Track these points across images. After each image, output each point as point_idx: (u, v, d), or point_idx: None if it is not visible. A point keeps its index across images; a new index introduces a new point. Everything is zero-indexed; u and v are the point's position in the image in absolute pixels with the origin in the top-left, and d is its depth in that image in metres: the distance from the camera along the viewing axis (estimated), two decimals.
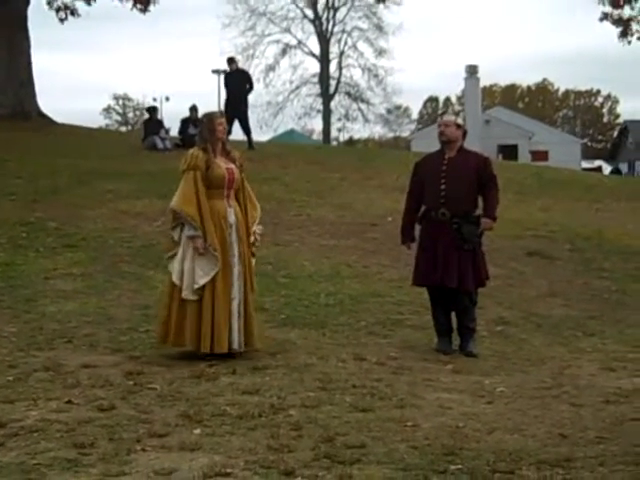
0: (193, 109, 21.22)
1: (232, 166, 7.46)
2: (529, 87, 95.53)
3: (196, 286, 7.18)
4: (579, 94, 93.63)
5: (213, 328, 7.18)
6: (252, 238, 7.53)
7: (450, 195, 7.88)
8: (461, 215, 7.88)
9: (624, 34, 29.25)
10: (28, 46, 23.44)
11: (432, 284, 8.02)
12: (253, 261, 7.64)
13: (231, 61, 21.41)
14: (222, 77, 22.63)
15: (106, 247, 11.53)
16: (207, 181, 7.29)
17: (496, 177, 8.13)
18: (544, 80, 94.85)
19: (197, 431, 5.37)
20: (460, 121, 8.27)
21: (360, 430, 5.48)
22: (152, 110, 23.21)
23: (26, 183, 14.92)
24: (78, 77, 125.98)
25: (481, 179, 7.99)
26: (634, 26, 28.97)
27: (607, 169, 54.72)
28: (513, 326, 9.12)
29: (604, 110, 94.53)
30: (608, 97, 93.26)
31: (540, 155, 54.89)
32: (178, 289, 7.26)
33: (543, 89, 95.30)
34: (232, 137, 19.17)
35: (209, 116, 7.63)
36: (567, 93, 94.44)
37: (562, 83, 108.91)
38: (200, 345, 7.17)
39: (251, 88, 20.90)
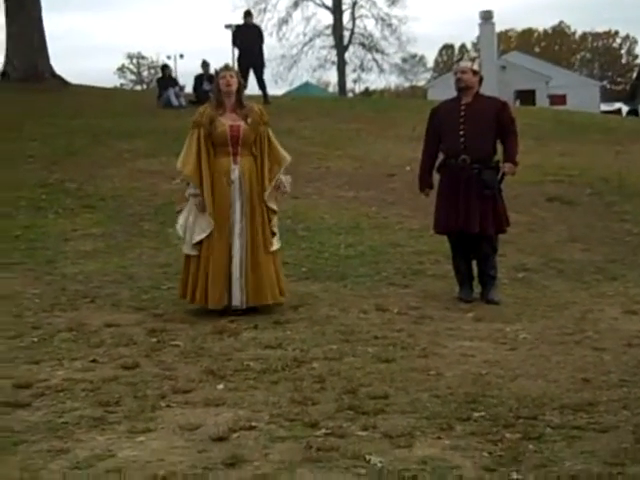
0: (204, 65, 21.16)
1: (240, 123, 7.35)
2: (545, 31, 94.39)
3: (193, 242, 7.27)
4: (596, 36, 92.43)
5: (207, 283, 7.24)
6: (271, 187, 7.40)
7: (470, 141, 7.82)
8: (481, 160, 7.83)
9: None
10: (39, 8, 23.33)
11: (454, 231, 7.98)
12: (274, 219, 7.53)
13: (248, 14, 21.35)
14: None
15: (125, 206, 11.57)
16: (212, 138, 7.30)
17: (515, 121, 8.05)
18: (560, 23, 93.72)
19: (221, 386, 5.41)
20: (476, 67, 8.17)
21: (383, 381, 5.50)
22: (165, 68, 23.15)
23: (42, 145, 14.95)
24: (91, 37, 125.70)
25: (500, 124, 7.92)
26: None
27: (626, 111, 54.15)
28: (534, 272, 9.09)
29: (622, 51, 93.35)
30: (626, 38, 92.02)
31: (558, 99, 54.32)
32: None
33: (560, 32, 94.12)
34: (248, 92, 19.10)
35: (215, 72, 7.71)
36: (584, 36, 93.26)
37: (579, 26, 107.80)
38: (195, 298, 7.31)
39: (262, 43, 20.76)
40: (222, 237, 7.28)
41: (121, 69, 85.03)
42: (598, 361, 5.98)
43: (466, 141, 7.83)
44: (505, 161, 7.94)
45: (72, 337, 6.58)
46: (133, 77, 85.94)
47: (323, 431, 4.62)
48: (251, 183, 7.37)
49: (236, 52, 21.11)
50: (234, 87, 7.40)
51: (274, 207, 7.52)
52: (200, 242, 7.27)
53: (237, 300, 7.30)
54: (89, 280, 8.46)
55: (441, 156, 8.12)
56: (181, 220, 7.42)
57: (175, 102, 20.52)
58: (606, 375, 5.63)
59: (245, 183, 7.34)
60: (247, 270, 7.30)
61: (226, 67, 7.63)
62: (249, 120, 7.39)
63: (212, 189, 7.26)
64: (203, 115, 7.34)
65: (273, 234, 7.50)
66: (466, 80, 7.93)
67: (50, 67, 23.65)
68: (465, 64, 8.19)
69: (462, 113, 7.91)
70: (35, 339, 6.53)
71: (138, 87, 77.34)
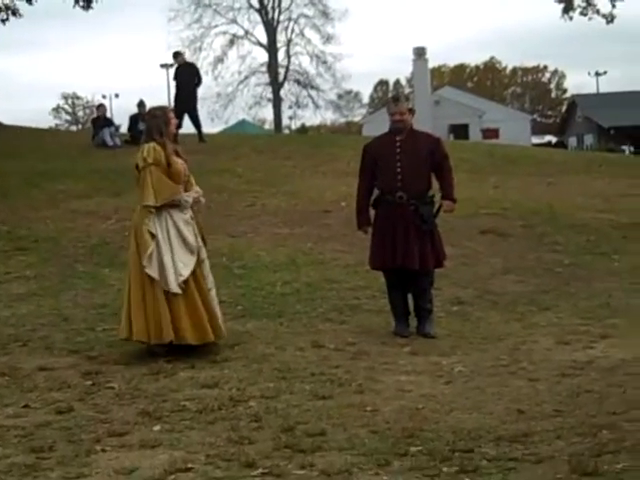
0: (141, 105, 21.11)
1: (181, 160, 7.43)
2: (477, 66, 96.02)
3: (181, 278, 7.15)
4: (526, 70, 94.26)
5: (196, 319, 7.19)
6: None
7: (406, 177, 7.87)
8: (418, 197, 7.88)
9: (567, 10, 29.49)
10: None
11: (392, 267, 8.02)
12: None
13: (177, 55, 21.28)
14: (171, 71, 22.45)
15: (59, 248, 11.44)
16: (167, 177, 7.26)
17: (449, 157, 8.14)
18: (491, 58, 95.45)
19: (157, 428, 5.35)
20: (410, 105, 8.25)
21: (320, 418, 5.49)
22: (100, 107, 23.05)
23: None
24: (25, 78, 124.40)
25: (434, 159, 7.99)
26: (576, 1, 29.20)
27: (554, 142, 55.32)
28: (469, 305, 9.17)
29: (552, 85, 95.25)
30: (555, 72, 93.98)
31: (491, 133, 55.23)
32: (157, 284, 7.11)
33: (491, 67, 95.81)
34: (182, 131, 19.08)
35: (164, 109, 7.65)
36: (515, 70, 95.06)
37: (509, 60, 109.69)
38: (201, 336, 7.18)
39: (199, 81, 20.75)
40: (202, 270, 7.34)
41: (56, 109, 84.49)
42: (533, 392, 6.04)
43: (403, 178, 7.88)
44: (443, 198, 8.00)
45: (4, 382, 6.46)
46: (68, 117, 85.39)
47: (260, 470, 4.59)
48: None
49: (172, 91, 21.10)
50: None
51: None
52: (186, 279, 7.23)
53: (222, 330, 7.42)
54: (22, 323, 8.32)
55: (376, 192, 8.17)
56: (154, 261, 7.12)
57: (110, 142, 20.43)
58: (540, 405, 5.69)
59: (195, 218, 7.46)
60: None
61: (172, 109, 7.66)
62: (183, 158, 7.49)
63: None
64: (160, 154, 7.24)
65: None
66: (406, 121, 8.00)
67: None
68: (403, 106, 8.12)
69: (397, 150, 7.97)
70: None
71: (74, 127, 76.79)
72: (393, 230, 7.91)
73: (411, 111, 8.09)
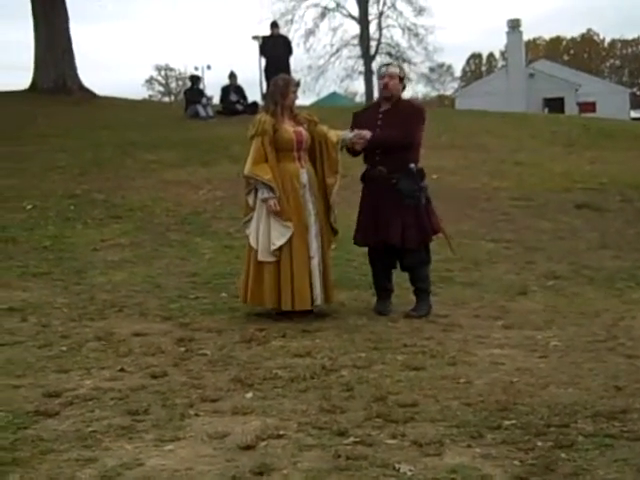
0: (232, 76, 21.24)
1: (300, 128, 7.52)
2: (574, 38, 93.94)
3: (273, 247, 7.30)
4: (625, 43, 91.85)
5: (293, 286, 7.30)
6: (337, 182, 7.69)
7: (385, 152, 7.54)
8: (399, 170, 7.52)
9: None
10: (66, 19, 23.50)
11: (373, 244, 7.78)
12: (332, 217, 7.69)
13: (275, 25, 21.40)
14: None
15: (152, 216, 11.61)
16: (276, 144, 7.37)
17: (421, 119, 7.65)
18: (589, 31, 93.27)
19: (249, 395, 5.38)
20: (404, 73, 7.85)
21: (412, 389, 5.45)
22: (194, 79, 23.24)
23: (71, 157, 15.04)
24: (119, 49, 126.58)
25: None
26: None
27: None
28: (564, 280, 9.00)
29: None
30: None
31: (587, 107, 54.00)
32: (254, 252, 7.41)
33: (588, 40, 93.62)
34: None
35: (287, 80, 7.77)
36: (613, 43, 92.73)
37: (607, 33, 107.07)
38: (281, 303, 7.32)
39: (290, 53, 20.81)
40: (302, 240, 7.38)
41: (149, 81, 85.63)
42: (631, 368, 5.89)
43: (381, 152, 7.57)
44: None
45: (100, 346, 6.58)
46: (161, 89, 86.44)
47: (352, 439, 4.57)
48: (317, 185, 7.55)
49: (263, 62, 21.16)
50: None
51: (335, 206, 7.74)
52: (279, 247, 7.32)
53: (319, 299, 7.48)
54: (117, 290, 8.48)
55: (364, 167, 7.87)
56: (252, 230, 7.44)
57: (203, 113, 20.59)
58: (639, 383, 5.55)
59: (313, 186, 7.52)
60: (323, 270, 7.50)
61: (297, 83, 7.89)
62: (305, 126, 7.56)
63: (284, 193, 7.38)
64: (265, 123, 7.38)
65: (335, 232, 7.78)
66: (392, 87, 7.66)
67: (78, 79, 23.83)
68: (394, 69, 7.83)
69: (378, 122, 7.65)
70: (64, 348, 6.53)
71: (166, 98, 77.75)
72: (375, 205, 7.64)
73: (401, 80, 7.72)
